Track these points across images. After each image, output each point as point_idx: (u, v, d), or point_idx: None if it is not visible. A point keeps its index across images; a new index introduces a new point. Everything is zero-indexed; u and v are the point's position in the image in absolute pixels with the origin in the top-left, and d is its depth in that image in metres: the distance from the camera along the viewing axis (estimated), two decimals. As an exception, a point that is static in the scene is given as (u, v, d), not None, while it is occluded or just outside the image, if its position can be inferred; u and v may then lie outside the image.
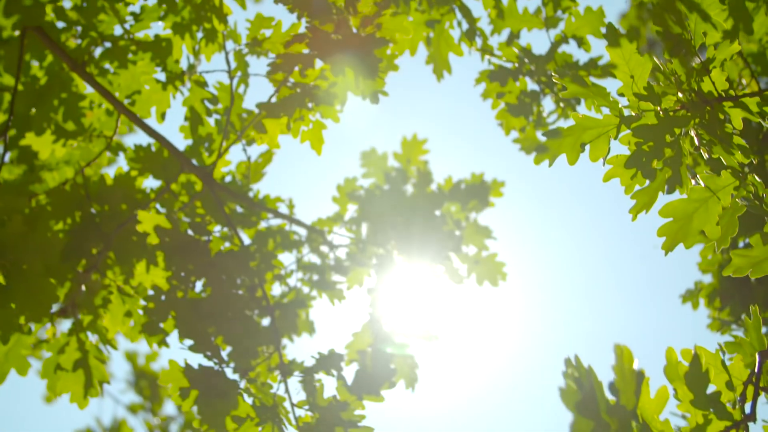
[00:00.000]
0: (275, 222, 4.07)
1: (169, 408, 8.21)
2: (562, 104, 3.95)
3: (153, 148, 3.72)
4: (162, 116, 3.65)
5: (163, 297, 3.41)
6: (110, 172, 3.80)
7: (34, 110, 3.62)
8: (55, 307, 3.42)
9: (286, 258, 4.21)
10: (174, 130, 3.72)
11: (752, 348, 2.18)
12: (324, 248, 4.20)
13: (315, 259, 4.20)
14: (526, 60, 3.97)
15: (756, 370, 2.07)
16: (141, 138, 7.70)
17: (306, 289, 4.11)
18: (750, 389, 2.06)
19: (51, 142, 3.62)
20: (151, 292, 3.42)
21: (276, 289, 4.05)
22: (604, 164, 2.68)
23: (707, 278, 4.06)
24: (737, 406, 2.04)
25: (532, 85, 4.01)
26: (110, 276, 3.53)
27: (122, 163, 6.45)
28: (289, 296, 4.01)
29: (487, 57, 3.96)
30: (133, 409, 8.10)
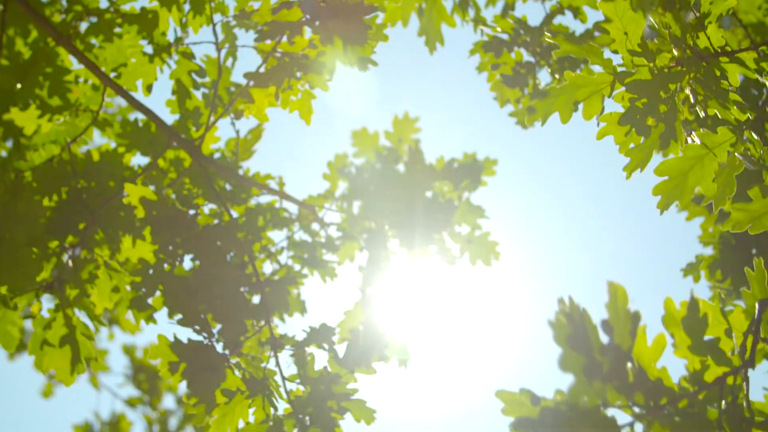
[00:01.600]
0: (265, 200, 4.00)
1: (168, 402, 8.16)
2: (557, 75, 3.88)
3: (140, 124, 3.66)
4: (148, 89, 3.58)
5: (150, 271, 3.35)
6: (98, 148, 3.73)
7: (18, 85, 3.56)
8: (41, 283, 3.36)
9: (277, 236, 4.15)
10: (161, 107, 3.67)
11: (753, 299, 2.12)
12: (315, 226, 4.13)
13: (306, 237, 4.13)
14: (522, 31, 3.90)
15: (756, 317, 2.01)
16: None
17: (297, 267, 4.04)
18: (750, 340, 1.99)
19: (36, 117, 3.56)
20: (138, 267, 3.36)
21: (266, 268, 3.98)
22: (597, 123, 2.62)
23: (708, 251, 4.01)
24: (736, 353, 1.97)
25: (527, 57, 3.95)
26: (97, 251, 3.46)
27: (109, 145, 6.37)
28: (280, 273, 3.94)
29: (480, 28, 3.89)
30: (131, 402, 8.05)
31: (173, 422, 8.01)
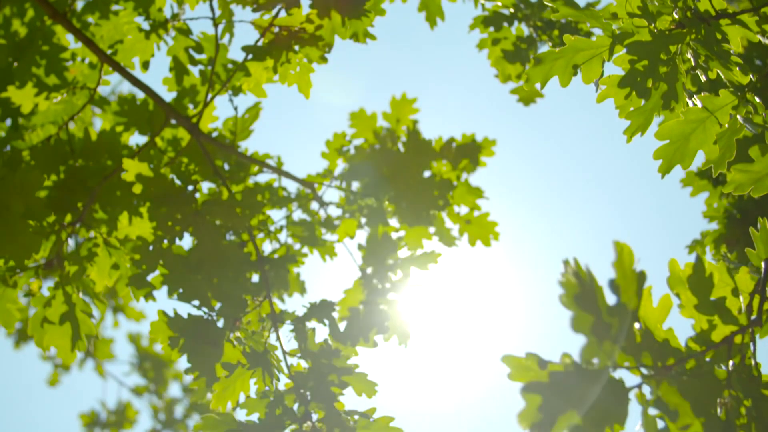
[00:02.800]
0: (263, 179, 3.98)
1: (174, 390, 8.15)
2: (558, 50, 3.84)
3: (138, 101, 3.63)
4: (145, 65, 3.56)
5: (150, 247, 3.33)
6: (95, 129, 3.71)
7: (15, 64, 3.54)
8: (40, 261, 3.34)
9: (276, 215, 4.13)
10: (158, 86, 3.62)
11: (759, 259, 2.08)
12: (314, 206, 4.11)
13: (305, 216, 4.10)
14: (522, 6, 3.87)
15: (762, 276, 1.97)
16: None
17: (296, 246, 4.02)
18: (756, 299, 1.96)
19: (33, 95, 3.54)
20: (138, 244, 3.34)
21: (266, 247, 3.96)
22: (597, 87, 2.59)
23: (713, 227, 3.97)
24: (743, 312, 1.94)
25: (528, 32, 3.92)
26: (96, 229, 3.44)
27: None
28: (279, 252, 3.92)
29: (481, 3, 3.86)
30: (137, 391, 8.05)
31: (179, 410, 8.01)
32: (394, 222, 4.20)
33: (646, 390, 1.81)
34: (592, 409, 1.72)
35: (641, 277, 1.75)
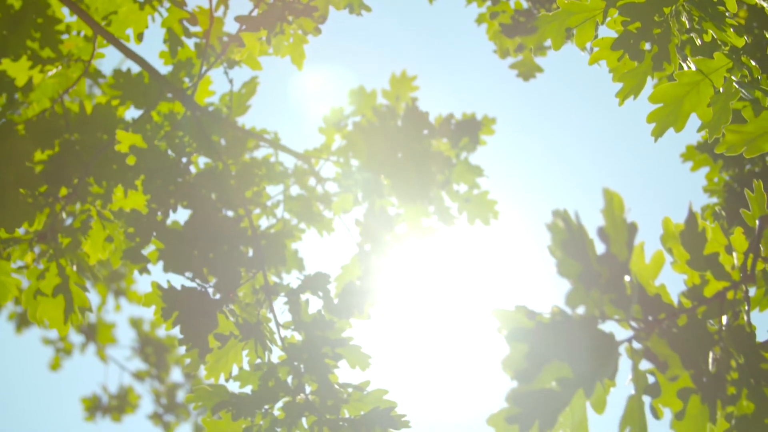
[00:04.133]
0: (260, 155, 3.96)
1: (176, 375, 8.16)
2: (551, 13, 3.81)
3: (132, 74, 3.62)
4: (139, 37, 3.54)
5: (144, 220, 3.32)
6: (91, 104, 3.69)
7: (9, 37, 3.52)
8: (34, 234, 3.33)
9: (272, 191, 4.10)
10: (155, 61, 3.60)
11: (753, 219, 2.06)
12: (311, 182, 4.09)
13: (302, 192, 4.08)
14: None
15: (756, 234, 1.95)
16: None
17: (294, 221, 4.00)
18: (751, 258, 1.93)
19: (28, 68, 3.52)
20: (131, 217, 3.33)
21: (262, 222, 3.94)
22: (590, 50, 2.56)
23: (713, 201, 3.95)
24: (736, 269, 1.91)
25: (527, 5, 3.89)
26: (90, 202, 3.43)
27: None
28: (276, 227, 3.90)
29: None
30: (139, 375, 8.05)
31: (181, 395, 8.01)
32: (392, 201, 4.17)
33: (637, 345, 1.79)
34: (581, 363, 1.70)
35: (632, 228, 1.72)
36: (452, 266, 4.35)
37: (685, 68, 2.49)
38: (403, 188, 4.06)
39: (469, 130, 4.39)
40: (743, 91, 2.44)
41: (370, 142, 4.12)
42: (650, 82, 2.60)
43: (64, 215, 3.40)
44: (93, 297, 8.13)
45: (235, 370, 3.12)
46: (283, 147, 3.86)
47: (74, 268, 3.33)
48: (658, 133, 2.45)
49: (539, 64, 4.17)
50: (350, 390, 3.04)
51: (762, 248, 1.97)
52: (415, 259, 4.06)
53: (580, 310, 1.67)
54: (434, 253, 4.21)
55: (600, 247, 1.69)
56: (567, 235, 1.62)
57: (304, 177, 4.11)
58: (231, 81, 3.60)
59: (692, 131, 2.82)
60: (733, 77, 2.40)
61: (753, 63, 2.48)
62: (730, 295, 1.87)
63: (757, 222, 2.01)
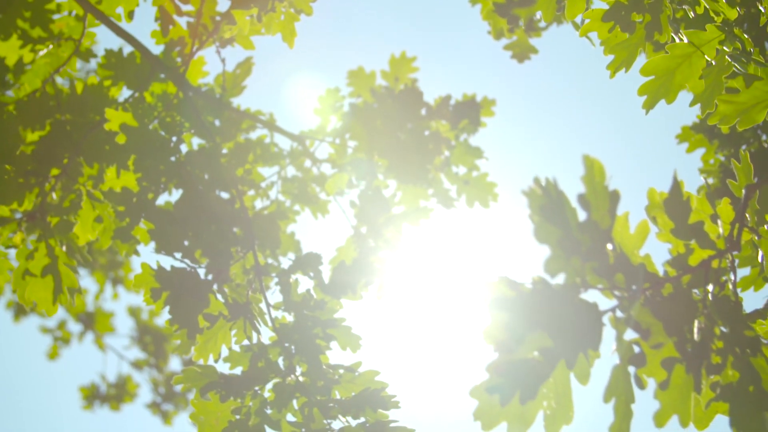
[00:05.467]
0: (255, 136, 3.92)
1: (174, 364, 8.14)
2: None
3: (124, 54, 3.58)
4: (130, 15, 3.50)
5: (134, 199, 3.29)
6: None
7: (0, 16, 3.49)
8: (23, 213, 3.31)
9: (266, 172, 4.07)
10: (148, 43, 3.56)
11: (739, 189, 2.02)
12: (307, 163, 4.05)
13: (297, 174, 4.05)
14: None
15: (742, 203, 1.91)
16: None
17: (288, 203, 3.96)
18: (737, 228, 1.90)
19: (18, 47, 3.49)
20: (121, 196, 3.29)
21: (257, 204, 3.91)
22: (582, 22, 2.53)
23: (710, 182, 3.91)
24: (721, 238, 1.87)
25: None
26: (80, 181, 3.40)
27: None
28: (270, 209, 3.87)
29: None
30: (138, 364, 8.03)
31: (179, 385, 7.98)
32: (391, 183, 4.13)
33: (620, 315, 1.75)
34: (563, 333, 1.67)
35: (614, 195, 1.68)
36: (450, 248, 4.31)
37: (677, 41, 2.45)
38: (401, 170, 4.02)
39: (469, 111, 4.35)
40: (736, 65, 2.40)
41: (368, 124, 4.09)
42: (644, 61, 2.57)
43: (54, 196, 3.37)
44: (91, 285, 8.12)
45: (225, 352, 3.09)
46: (278, 128, 3.82)
47: (63, 248, 3.30)
48: (649, 106, 2.42)
49: (534, 45, 4.13)
50: (341, 371, 3.01)
51: (748, 217, 1.93)
52: (412, 241, 4.02)
53: (561, 278, 1.63)
54: (432, 234, 4.17)
55: (581, 215, 1.65)
56: (545, 201, 1.58)
57: (300, 158, 4.07)
58: (223, 60, 3.57)
59: (690, 113, 2.78)
60: (725, 49, 2.36)
61: (745, 35, 2.44)
62: (714, 263, 1.84)
63: (743, 191, 1.98)
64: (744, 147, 3.76)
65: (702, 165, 3.92)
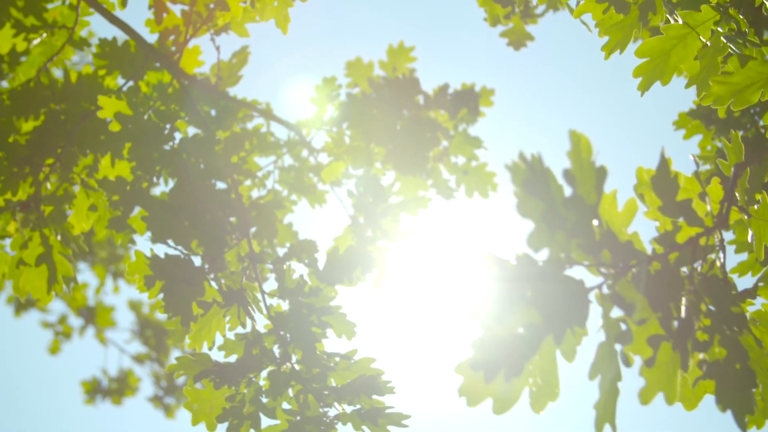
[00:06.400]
0: (251, 125, 3.90)
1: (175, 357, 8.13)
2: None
3: (118, 43, 3.57)
4: (123, 3, 3.49)
5: (128, 188, 3.27)
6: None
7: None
8: (17, 203, 3.30)
9: (263, 162, 4.05)
10: (142, 33, 3.54)
11: (728, 168, 2.00)
12: (304, 153, 4.03)
13: (294, 163, 4.03)
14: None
15: (731, 181, 1.89)
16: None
17: (285, 193, 3.94)
18: (726, 205, 1.88)
19: (11, 36, 3.49)
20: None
21: (254, 194, 3.89)
22: (576, 4, 2.51)
23: (706, 168, 3.89)
24: (709, 216, 1.85)
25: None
26: (75, 170, 3.39)
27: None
28: (266, 198, 3.85)
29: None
30: (139, 358, 8.03)
31: (181, 378, 7.98)
32: (389, 174, 4.11)
33: (607, 291, 1.73)
34: (548, 309, 1.65)
35: (601, 171, 1.66)
36: (448, 237, 4.29)
37: (672, 22, 2.43)
38: (399, 158, 4.00)
39: (468, 101, 4.33)
40: (731, 45, 2.38)
41: (365, 113, 4.06)
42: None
43: (48, 185, 3.37)
44: (91, 279, 8.12)
45: (220, 340, 3.08)
46: (275, 117, 3.81)
47: (58, 237, 3.29)
48: (644, 87, 2.40)
49: (530, 33, 4.10)
50: (337, 359, 2.99)
51: (738, 196, 1.91)
52: (410, 230, 4.00)
53: (545, 254, 1.61)
54: (430, 223, 4.15)
55: (567, 191, 1.64)
56: (528, 174, 1.56)
57: (297, 148, 4.05)
58: (218, 48, 3.55)
59: (687, 99, 2.76)
60: (720, 30, 2.34)
61: (740, 16, 2.42)
62: (702, 241, 1.82)
63: (732, 170, 1.96)
64: (741, 132, 3.73)
65: (699, 151, 3.90)
